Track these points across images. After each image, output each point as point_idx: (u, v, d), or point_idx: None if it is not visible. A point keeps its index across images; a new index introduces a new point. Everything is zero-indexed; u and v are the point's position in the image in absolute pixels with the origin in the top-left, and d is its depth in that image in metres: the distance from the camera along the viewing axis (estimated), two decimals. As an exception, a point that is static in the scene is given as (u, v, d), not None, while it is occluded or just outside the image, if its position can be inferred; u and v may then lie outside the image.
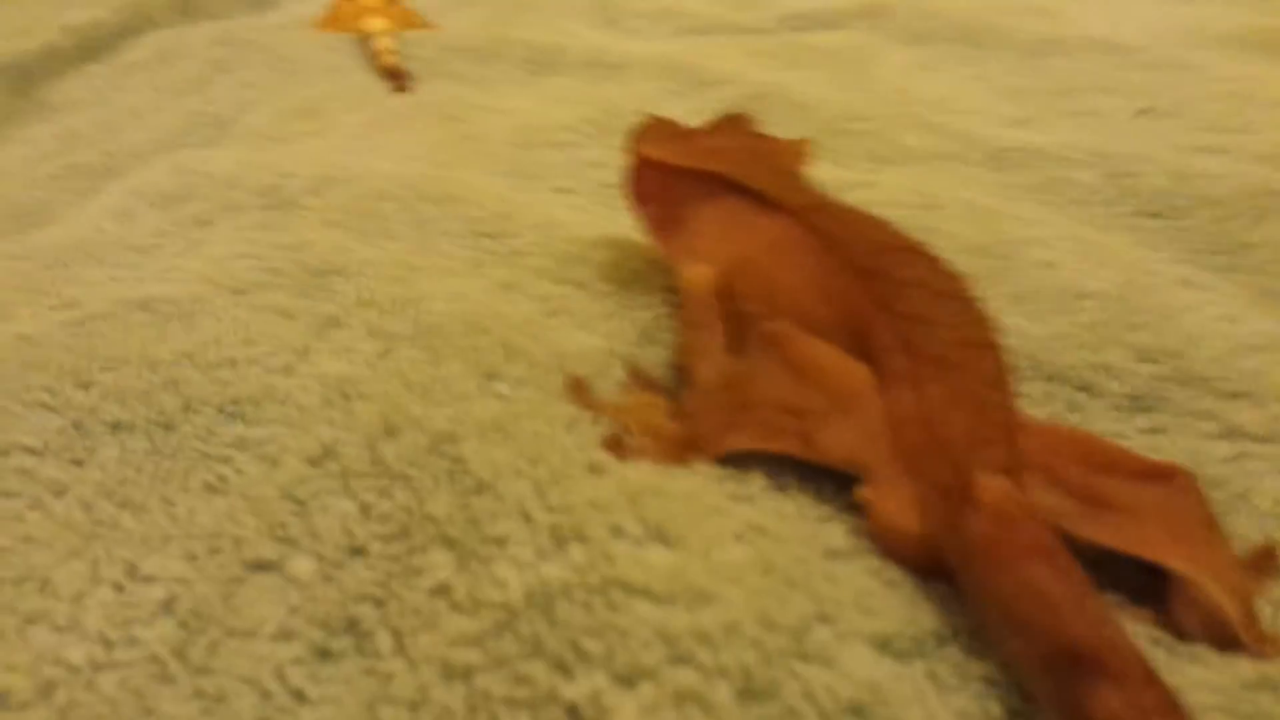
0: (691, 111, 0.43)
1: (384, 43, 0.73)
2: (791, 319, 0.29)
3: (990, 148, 0.54)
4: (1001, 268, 0.40)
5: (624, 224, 0.42)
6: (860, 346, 0.27)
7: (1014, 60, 0.73)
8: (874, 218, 0.31)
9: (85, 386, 0.33)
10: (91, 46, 0.79)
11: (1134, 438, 0.32)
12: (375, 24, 0.77)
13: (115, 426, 0.32)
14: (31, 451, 0.31)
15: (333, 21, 0.83)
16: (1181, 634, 0.25)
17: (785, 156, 0.36)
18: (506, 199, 0.46)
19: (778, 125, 0.59)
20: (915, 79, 0.70)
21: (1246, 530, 0.28)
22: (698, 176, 0.35)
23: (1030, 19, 0.82)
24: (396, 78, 0.68)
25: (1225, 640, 0.24)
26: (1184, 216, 0.45)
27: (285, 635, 0.24)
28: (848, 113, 0.60)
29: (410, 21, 0.84)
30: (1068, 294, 0.38)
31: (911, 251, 0.29)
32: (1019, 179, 0.51)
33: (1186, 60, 0.68)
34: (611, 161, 0.52)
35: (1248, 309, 0.38)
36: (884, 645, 0.23)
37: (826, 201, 0.32)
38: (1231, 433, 0.32)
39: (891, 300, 0.27)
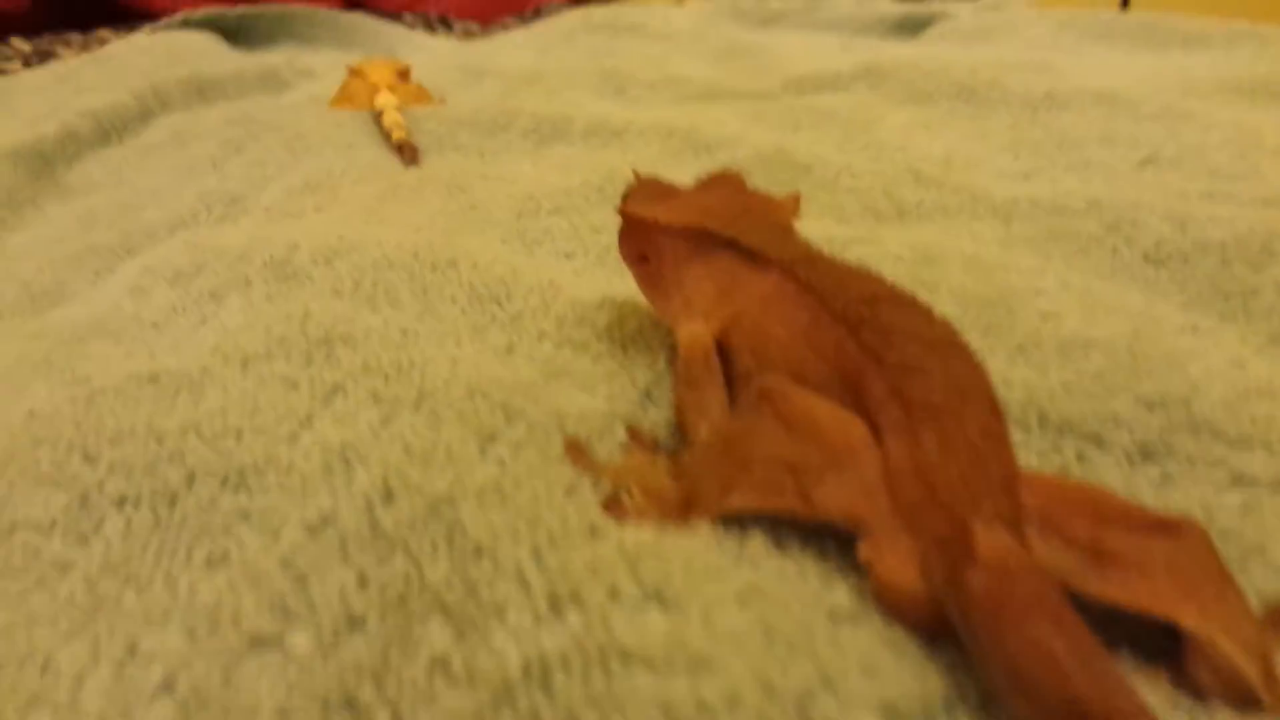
0: (694, 175, 0.44)
1: (394, 118, 0.75)
2: (786, 374, 0.29)
3: (991, 201, 0.54)
4: (1005, 320, 0.40)
5: (625, 286, 0.42)
6: (855, 399, 0.27)
7: (1014, 116, 0.74)
8: (864, 270, 0.31)
9: (92, 461, 0.33)
10: (110, 130, 0.82)
11: (1144, 488, 0.31)
12: (386, 100, 0.79)
13: (120, 501, 0.32)
14: (37, 529, 0.31)
15: (345, 99, 0.86)
16: (1198, 693, 0.24)
17: (776, 212, 0.37)
18: (509, 264, 0.46)
19: (779, 185, 0.60)
20: (917, 137, 0.71)
21: (1263, 583, 0.27)
22: (688, 234, 0.35)
23: (1029, 75, 0.83)
24: (406, 152, 0.69)
25: (1244, 699, 0.23)
26: (1188, 263, 0.45)
27: (284, 715, 0.24)
28: (849, 170, 0.61)
29: (421, 97, 0.86)
30: (1073, 344, 0.38)
31: (902, 301, 0.29)
32: (1021, 231, 0.51)
33: (1186, 110, 0.68)
34: (613, 225, 0.53)
35: (1255, 354, 0.38)
36: (890, 711, 0.22)
37: (816, 255, 0.32)
38: (1243, 481, 0.31)
39: (883, 351, 0.27)
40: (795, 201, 0.37)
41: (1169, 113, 0.68)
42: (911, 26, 1.38)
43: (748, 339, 0.31)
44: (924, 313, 0.29)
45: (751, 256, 0.33)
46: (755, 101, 0.86)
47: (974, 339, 0.30)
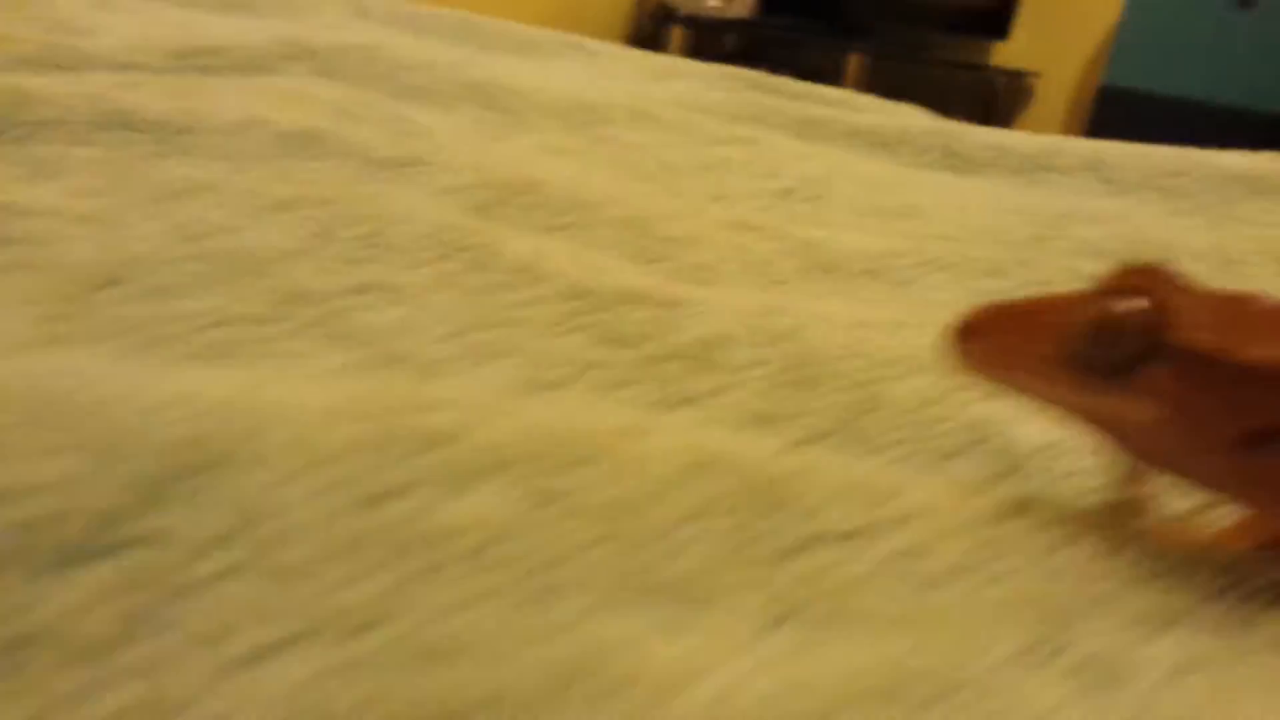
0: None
1: None
2: None
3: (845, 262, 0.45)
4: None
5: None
6: None
7: (582, 132, 0.63)
8: None
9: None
10: None
11: None
12: None
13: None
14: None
15: None
16: None
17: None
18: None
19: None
20: (533, 157, 0.55)
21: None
22: None
23: (520, 78, 0.71)
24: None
25: None
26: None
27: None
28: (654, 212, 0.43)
29: None
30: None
31: None
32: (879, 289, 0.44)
33: (726, 132, 0.67)
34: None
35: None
36: None
37: None
38: None
39: None
40: None
41: (731, 136, 0.66)
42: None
43: None
44: None
45: None
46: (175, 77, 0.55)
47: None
